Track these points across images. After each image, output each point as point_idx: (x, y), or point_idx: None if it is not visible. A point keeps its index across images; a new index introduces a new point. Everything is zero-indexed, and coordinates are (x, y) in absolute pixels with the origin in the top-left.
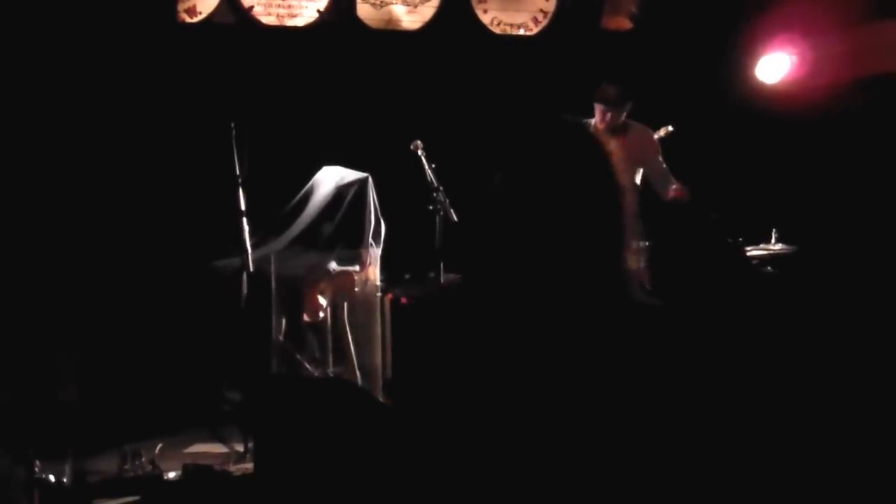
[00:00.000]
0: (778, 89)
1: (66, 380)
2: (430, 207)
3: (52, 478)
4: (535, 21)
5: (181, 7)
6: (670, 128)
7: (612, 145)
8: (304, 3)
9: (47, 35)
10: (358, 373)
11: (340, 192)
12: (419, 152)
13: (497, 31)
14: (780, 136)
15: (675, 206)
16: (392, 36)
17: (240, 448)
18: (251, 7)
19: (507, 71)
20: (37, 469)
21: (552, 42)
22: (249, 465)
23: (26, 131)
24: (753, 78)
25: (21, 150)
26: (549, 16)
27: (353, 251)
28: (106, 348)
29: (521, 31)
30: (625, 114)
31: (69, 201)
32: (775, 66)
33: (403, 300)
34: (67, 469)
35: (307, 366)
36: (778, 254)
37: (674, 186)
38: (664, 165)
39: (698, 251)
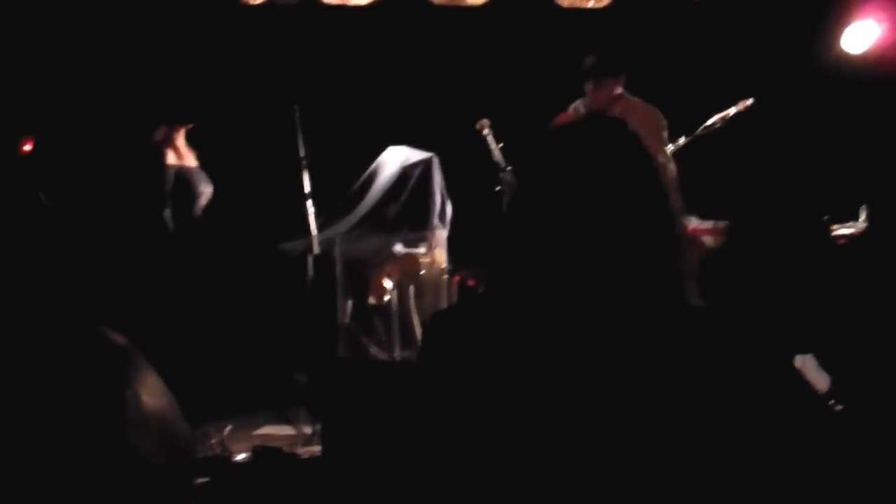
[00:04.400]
0: (867, 58)
1: None
2: (498, 188)
3: None
4: None
5: None
6: (749, 101)
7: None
8: None
9: (111, 18)
10: None
11: (406, 172)
12: (486, 131)
13: (565, 4)
14: (869, 107)
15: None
16: (456, 12)
17: (308, 431)
18: None
19: (577, 46)
20: None
21: (624, 14)
22: (317, 448)
23: (84, 113)
24: (840, 47)
25: (77, 133)
26: None
27: (419, 233)
28: (174, 331)
29: (591, 4)
30: (614, 88)
31: (136, 182)
32: (863, 34)
33: (471, 282)
34: None
35: (373, 349)
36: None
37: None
38: (660, 158)
39: (784, 230)
